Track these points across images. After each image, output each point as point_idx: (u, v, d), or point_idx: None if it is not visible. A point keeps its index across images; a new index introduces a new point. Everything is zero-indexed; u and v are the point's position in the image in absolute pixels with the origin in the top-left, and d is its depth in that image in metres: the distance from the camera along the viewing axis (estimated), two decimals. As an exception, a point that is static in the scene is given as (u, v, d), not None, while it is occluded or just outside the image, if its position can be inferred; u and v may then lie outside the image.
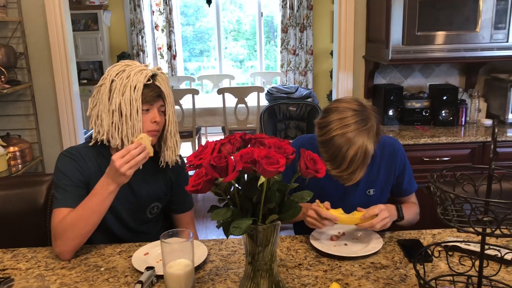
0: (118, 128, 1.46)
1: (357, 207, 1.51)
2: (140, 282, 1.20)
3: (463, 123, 3.01)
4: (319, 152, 1.49)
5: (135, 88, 1.45)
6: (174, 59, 6.40)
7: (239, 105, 4.49)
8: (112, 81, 1.46)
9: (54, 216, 1.43)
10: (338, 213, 1.47)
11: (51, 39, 2.95)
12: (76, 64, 3.16)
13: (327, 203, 1.50)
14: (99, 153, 1.54)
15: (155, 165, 1.57)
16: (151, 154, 1.41)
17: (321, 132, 1.50)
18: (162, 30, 6.37)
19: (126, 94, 1.44)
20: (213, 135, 6.28)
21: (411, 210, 1.69)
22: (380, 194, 1.71)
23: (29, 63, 2.99)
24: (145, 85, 1.47)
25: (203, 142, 5.44)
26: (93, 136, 1.51)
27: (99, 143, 1.51)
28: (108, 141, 1.48)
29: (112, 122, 1.46)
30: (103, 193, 1.39)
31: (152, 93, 1.49)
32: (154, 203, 1.61)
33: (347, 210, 1.50)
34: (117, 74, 1.47)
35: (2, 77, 2.75)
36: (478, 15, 2.67)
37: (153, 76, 1.50)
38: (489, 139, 2.70)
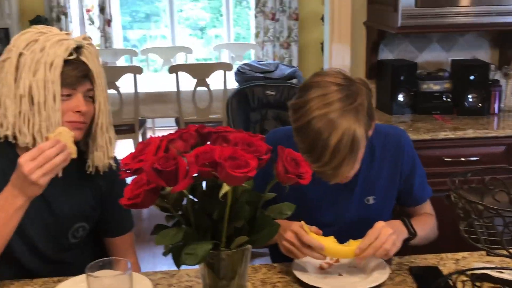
0: (28, 120, 1.43)
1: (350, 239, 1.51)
2: (59, 331, 1.18)
3: (496, 112, 3.07)
4: (296, 143, 1.49)
5: (51, 65, 1.42)
6: (109, 25, 6.33)
7: (199, 89, 4.48)
8: (20, 54, 1.43)
9: None
10: (329, 241, 1.47)
11: None
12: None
13: (315, 229, 1.50)
14: (1, 153, 1.50)
15: (80, 171, 1.54)
16: (74, 156, 1.37)
17: (296, 115, 1.49)
18: (92, -14, 6.30)
19: (39, 73, 1.41)
20: (163, 129, 6.22)
21: (425, 223, 1.71)
22: (382, 204, 1.73)
23: None
24: (66, 61, 1.44)
25: (150, 139, 5.39)
26: None
27: (1, 140, 1.48)
28: (15, 137, 1.45)
29: (20, 112, 1.43)
30: (7, 210, 1.34)
31: (76, 72, 1.46)
32: (78, 223, 1.59)
33: (338, 226, 1.51)
34: (27, 45, 1.43)
35: None
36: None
37: (78, 49, 1.47)
38: (530, 132, 2.76)
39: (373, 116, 1.54)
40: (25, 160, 1.29)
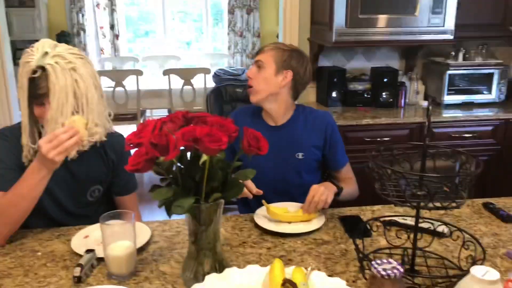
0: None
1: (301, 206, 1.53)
2: (79, 265, 1.16)
3: (402, 105, 3.12)
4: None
5: (21, 85, 1.36)
6: (117, 39, 6.18)
7: (185, 87, 4.42)
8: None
9: None
10: (282, 211, 1.49)
11: (-19, 15, 2.75)
12: (11, 43, 2.97)
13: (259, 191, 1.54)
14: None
15: (94, 147, 1.51)
16: (85, 139, 1.32)
17: None
18: (104, 9, 6.12)
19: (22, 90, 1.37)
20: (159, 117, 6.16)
21: (349, 183, 1.75)
22: (310, 160, 1.76)
23: (-44, 39, 2.78)
24: (32, 79, 1.34)
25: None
26: None
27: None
28: None
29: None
30: (33, 179, 1.30)
31: (36, 91, 1.36)
32: (94, 186, 1.55)
33: (281, 180, 1.61)
34: (24, 54, 1.37)
35: None
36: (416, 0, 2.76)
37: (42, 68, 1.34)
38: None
39: (287, 68, 1.68)
40: (43, 143, 1.24)
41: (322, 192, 1.49)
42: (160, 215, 3.56)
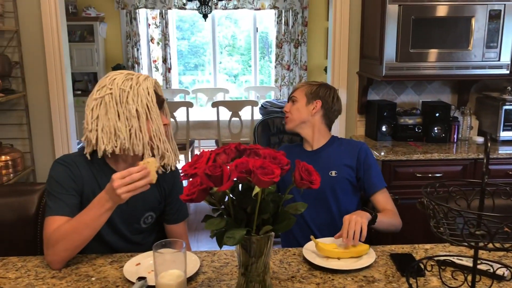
0: (139, 135, 1.46)
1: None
2: (131, 292, 1.19)
3: (455, 140, 3.04)
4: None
5: (149, 94, 1.48)
6: (169, 72, 6.42)
7: (233, 119, 4.50)
8: (121, 90, 1.45)
9: (46, 224, 1.41)
10: (331, 247, 1.47)
11: (47, 49, 2.95)
12: (71, 75, 3.16)
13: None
14: (93, 161, 1.53)
15: None
16: (154, 182, 1.34)
17: None
18: (158, 43, 6.40)
19: (143, 100, 1.46)
20: (207, 148, 6.28)
21: (386, 214, 1.76)
22: (342, 178, 1.87)
23: (24, 72, 2.98)
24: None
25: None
26: (100, 147, 1.46)
27: (92, 153, 1.50)
28: (124, 150, 1.47)
29: (130, 130, 1.45)
30: (99, 209, 1.35)
31: (160, 99, 1.53)
32: (148, 213, 1.60)
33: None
34: (123, 83, 1.46)
35: (-4, 85, 2.75)
36: (470, 34, 2.72)
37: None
38: (481, 156, 2.72)
39: (315, 98, 1.91)
40: (116, 177, 1.29)
41: (355, 219, 1.52)
42: (205, 246, 3.59)
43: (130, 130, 1.44)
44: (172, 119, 4.36)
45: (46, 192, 1.50)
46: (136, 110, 1.44)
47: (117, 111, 1.44)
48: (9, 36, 2.93)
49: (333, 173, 1.88)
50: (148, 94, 1.47)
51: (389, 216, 1.76)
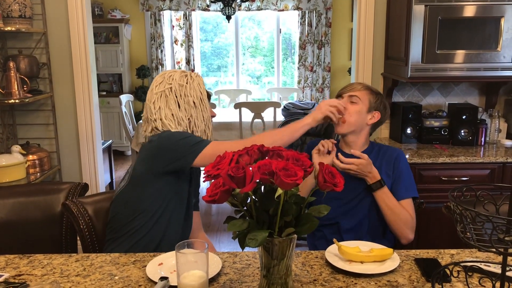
0: (195, 123, 1.71)
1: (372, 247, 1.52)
2: (153, 292, 1.20)
3: (482, 143, 2.97)
4: None
5: (201, 88, 1.73)
6: (192, 73, 6.47)
7: (256, 120, 4.51)
8: (180, 85, 1.69)
9: (216, 145, 1.58)
10: (354, 251, 1.45)
11: (73, 51, 3.01)
12: (96, 76, 3.21)
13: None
14: None
15: None
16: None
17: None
18: (181, 45, 6.46)
19: (199, 93, 1.71)
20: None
21: (397, 204, 1.78)
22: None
23: (51, 73, 3.05)
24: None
25: (219, 156, 5.43)
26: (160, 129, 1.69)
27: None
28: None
29: (189, 118, 1.70)
30: (299, 123, 1.67)
31: (208, 93, 1.78)
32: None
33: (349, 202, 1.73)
34: (180, 78, 1.70)
35: (25, 86, 2.81)
36: (499, 34, 2.66)
37: None
38: (510, 159, 2.66)
39: (376, 109, 1.88)
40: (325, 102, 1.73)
41: (359, 162, 1.72)
42: (226, 248, 3.61)
43: (189, 118, 1.69)
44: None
45: (181, 140, 1.60)
46: (193, 102, 1.69)
47: (177, 102, 1.67)
48: (37, 38, 3.00)
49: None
50: (201, 88, 1.72)
51: (396, 204, 1.77)
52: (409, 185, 1.84)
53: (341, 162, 1.77)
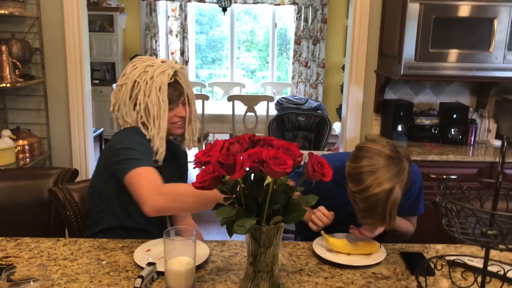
0: (147, 127, 1.56)
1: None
2: (140, 276, 1.21)
3: (472, 143, 3.00)
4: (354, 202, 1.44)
5: (160, 89, 1.53)
6: (186, 64, 6.45)
7: (248, 113, 4.51)
8: (135, 81, 1.54)
9: (142, 173, 1.40)
10: (342, 243, 1.47)
11: (67, 37, 2.99)
12: (90, 64, 3.19)
13: (331, 213, 1.55)
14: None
15: (171, 155, 1.69)
16: None
17: (354, 181, 1.42)
18: (176, 36, 6.43)
19: (152, 95, 1.53)
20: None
21: (402, 220, 1.69)
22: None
23: (44, 59, 3.03)
24: (168, 84, 1.54)
25: (210, 149, 5.44)
26: (121, 124, 1.61)
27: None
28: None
29: (138, 122, 1.57)
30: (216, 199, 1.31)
31: (176, 92, 1.58)
32: None
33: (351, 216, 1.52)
34: (139, 75, 1.54)
35: (17, 71, 2.79)
36: (492, 35, 2.68)
37: (174, 74, 1.58)
38: (498, 159, 2.69)
39: (409, 181, 1.45)
40: None
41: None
42: (214, 236, 3.61)
43: (138, 120, 1.56)
44: (187, 111, 4.39)
45: (122, 149, 1.48)
46: (146, 105, 1.54)
47: (127, 101, 1.56)
48: (30, 22, 2.98)
49: None
50: (160, 90, 1.53)
51: (402, 223, 1.69)
52: (421, 203, 1.73)
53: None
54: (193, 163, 1.11)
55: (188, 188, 1.38)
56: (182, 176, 1.82)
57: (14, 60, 2.78)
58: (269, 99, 4.50)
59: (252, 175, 1.09)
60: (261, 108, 4.51)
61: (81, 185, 1.83)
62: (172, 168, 1.74)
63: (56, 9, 2.96)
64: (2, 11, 2.70)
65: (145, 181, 1.39)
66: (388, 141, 1.49)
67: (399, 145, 1.52)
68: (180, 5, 6.29)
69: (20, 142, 2.88)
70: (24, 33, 2.98)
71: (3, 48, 2.70)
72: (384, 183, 1.36)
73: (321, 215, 1.55)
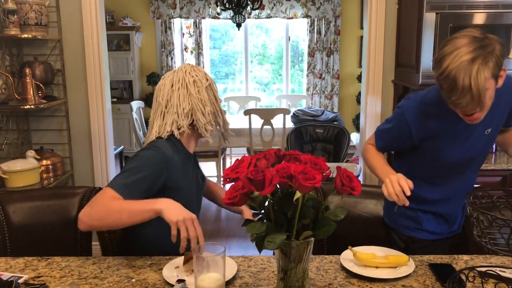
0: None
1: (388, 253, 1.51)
2: (171, 294, 1.21)
3: (494, 151, 2.96)
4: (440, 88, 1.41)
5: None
6: (202, 80, 6.50)
7: (265, 127, 4.52)
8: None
9: (104, 193, 1.41)
10: (369, 256, 1.46)
11: (87, 58, 3.05)
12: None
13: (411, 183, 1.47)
14: (178, 150, 1.63)
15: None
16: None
17: (437, 67, 1.39)
18: (191, 52, 6.51)
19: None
20: (238, 155, 6.30)
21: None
22: (494, 132, 1.64)
23: (65, 80, 3.09)
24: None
25: (228, 163, 5.46)
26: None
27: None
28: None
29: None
30: (146, 206, 1.37)
31: None
32: None
33: (468, 152, 1.56)
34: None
35: (40, 92, 2.85)
36: (510, 42, 2.66)
37: None
38: (521, 167, 2.65)
39: (502, 64, 1.36)
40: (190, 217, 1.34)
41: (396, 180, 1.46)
42: (236, 251, 3.61)
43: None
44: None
45: (127, 165, 1.51)
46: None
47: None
48: (52, 45, 3.04)
49: (489, 131, 1.59)
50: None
51: None
52: None
53: None
54: (222, 179, 1.11)
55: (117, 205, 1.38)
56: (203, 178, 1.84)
57: (37, 82, 2.84)
58: (285, 111, 4.51)
59: (280, 190, 1.10)
60: (277, 121, 4.53)
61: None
62: (199, 172, 1.77)
63: (76, 31, 3.03)
64: (26, 35, 2.77)
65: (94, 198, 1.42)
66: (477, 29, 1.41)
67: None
68: (195, 22, 6.37)
69: (44, 162, 2.93)
70: (46, 55, 3.05)
71: (27, 71, 2.76)
72: (463, 56, 1.31)
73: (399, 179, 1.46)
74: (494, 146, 2.95)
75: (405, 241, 1.72)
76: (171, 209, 1.33)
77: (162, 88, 1.65)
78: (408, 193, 1.43)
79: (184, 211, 1.34)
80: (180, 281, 1.28)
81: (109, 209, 1.38)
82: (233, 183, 1.07)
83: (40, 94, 2.85)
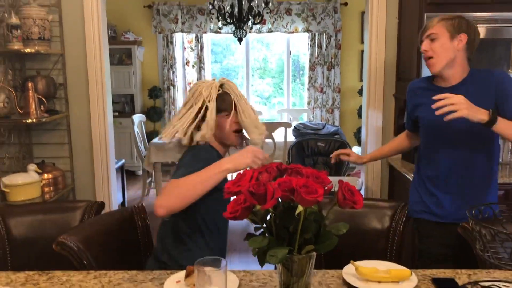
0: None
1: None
2: (172, 309, 1.20)
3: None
4: None
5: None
6: (203, 94, 6.53)
7: (266, 140, 4.52)
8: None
9: (171, 182, 1.53)
10: (371, 271, 1.45)
11: (89, 72, 3.07)
12: (111, 97, 3.26)
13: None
14: (210, 151, 1.76)
15: None
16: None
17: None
18: (193, 66, 6.55)
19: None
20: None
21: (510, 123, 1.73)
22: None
23: (67, 93, 3.11)
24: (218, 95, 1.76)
25: (229, 176, 5.44)
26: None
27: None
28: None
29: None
30: (216, 168, 1.53)
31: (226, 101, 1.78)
32: None
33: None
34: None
35: (42, 106, 2.87)
36: (510, 56, 2.68)
37: (221, 85, 1.78)
38: (524, 180, 2.64)
39: (461, 31, 1.80)
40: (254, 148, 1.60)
41: (458, 99, 1.63)
42: (236, 265, 3.59)
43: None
44: (206, 140, 4.42)
45: (183, 163, 1.66)
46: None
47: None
48: (54, 59, 3.07)
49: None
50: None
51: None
52: None
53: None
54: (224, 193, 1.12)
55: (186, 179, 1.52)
56: None
57: (40, 96, 2.86)
58: (286, 125, 4.52)
59: (282, 203, 1.10)
60: (278, 135, 4.53)
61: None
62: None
63: (79, 46, 3.06)
64: (29, 50, 2.80)
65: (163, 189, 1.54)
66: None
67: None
68: (196, 37, 6.42)
69: (45, 175, 2.93)
70: (49, 69, 3.07)
71: (30, 85, 2.78)
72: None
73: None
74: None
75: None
76: (236, 160, 1.55)
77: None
78: None
79: (243, 152, 1.57)
80: (181, 295, 1.27)
81: (182, 186, 1.50)
82: (234, 196, 1.07)
83: (42, 108, 2.87)
